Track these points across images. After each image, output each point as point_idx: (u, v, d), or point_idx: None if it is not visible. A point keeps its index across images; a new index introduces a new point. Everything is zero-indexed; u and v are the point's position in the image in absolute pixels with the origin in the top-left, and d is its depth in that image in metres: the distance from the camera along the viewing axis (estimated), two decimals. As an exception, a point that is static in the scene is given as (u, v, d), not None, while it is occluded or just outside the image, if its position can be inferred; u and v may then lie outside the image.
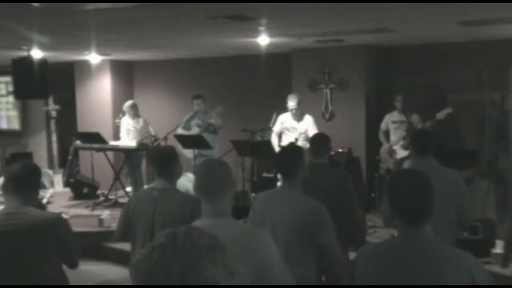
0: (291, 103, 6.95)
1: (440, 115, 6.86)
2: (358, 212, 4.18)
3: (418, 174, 2.19)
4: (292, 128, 7.06)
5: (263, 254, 2.22)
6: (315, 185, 3.54)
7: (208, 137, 7.61)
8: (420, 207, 2.09)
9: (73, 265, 3.01)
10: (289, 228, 3.01)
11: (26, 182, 2.85)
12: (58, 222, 2.92)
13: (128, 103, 8.31)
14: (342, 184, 3.99)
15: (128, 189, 8.41)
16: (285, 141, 7.02)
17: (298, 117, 7.02)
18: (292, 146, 3.71)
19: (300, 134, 6.91)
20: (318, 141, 4.19)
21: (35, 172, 2.94)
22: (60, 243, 2.89)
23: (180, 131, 7.89)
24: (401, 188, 2.13)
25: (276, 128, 7.18)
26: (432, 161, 3.60)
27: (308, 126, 6.94)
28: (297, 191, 3.17)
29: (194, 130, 7.81)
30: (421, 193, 2.10)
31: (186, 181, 5.14)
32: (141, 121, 8.26)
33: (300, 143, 6.53)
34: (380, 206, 3.98)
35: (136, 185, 8.17)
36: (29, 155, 10.51)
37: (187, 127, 7.91)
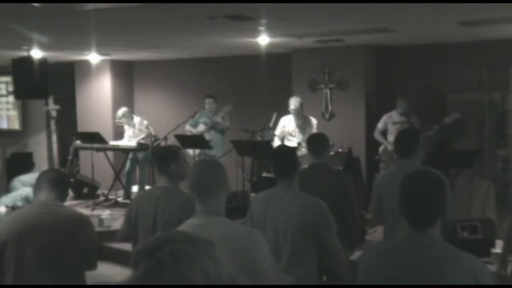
0: (292, 106, 6.98)
1: (448, 119, 6.82)
2: (357, 212, 4.18)
3: (428, 175, 2.18)
4: (294, 132, 7.05)
5: (256, 255, 2.21)
6: (315, 185, 3.54)
7: (214, 136, 7.59)
8: (424, 209, 2.09)
9: (92, 266, 3.17)
10: (293, 227, 3.02)
11: (61, 183, 3.15)
12: (88, 221, 3.16)
13: (121, 111, 8.19)
14: (342, 184, 3.99)
15: (134, 188, 8.41)
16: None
17: (301, 120, 7.02)
18: (287, 146, 3.77)
19: (304, 139, 6.90)
20: (316, 141, 4.17)
21: (66, 177, 3.33)
22: (86, 242, 3.06)
23: (187, 127, 7.88)
24: (408, 190, 2.14)
25: (278, 131, 7.16)
26: (414, 161, 3.57)
27: (311, 130, 6.92)
28: (297, 189, 3.18)
29: (200, 128, 7.78)
30: (427, 195, 2.09)
31: None
32: (136, 121, 8.23)
33: (303, 148, 6.51)
34: (369, 205, 3.98)
35: (142, 185, 8.20)
36: (29, 155, 10.52)
37: (194, 124, 7.89)
